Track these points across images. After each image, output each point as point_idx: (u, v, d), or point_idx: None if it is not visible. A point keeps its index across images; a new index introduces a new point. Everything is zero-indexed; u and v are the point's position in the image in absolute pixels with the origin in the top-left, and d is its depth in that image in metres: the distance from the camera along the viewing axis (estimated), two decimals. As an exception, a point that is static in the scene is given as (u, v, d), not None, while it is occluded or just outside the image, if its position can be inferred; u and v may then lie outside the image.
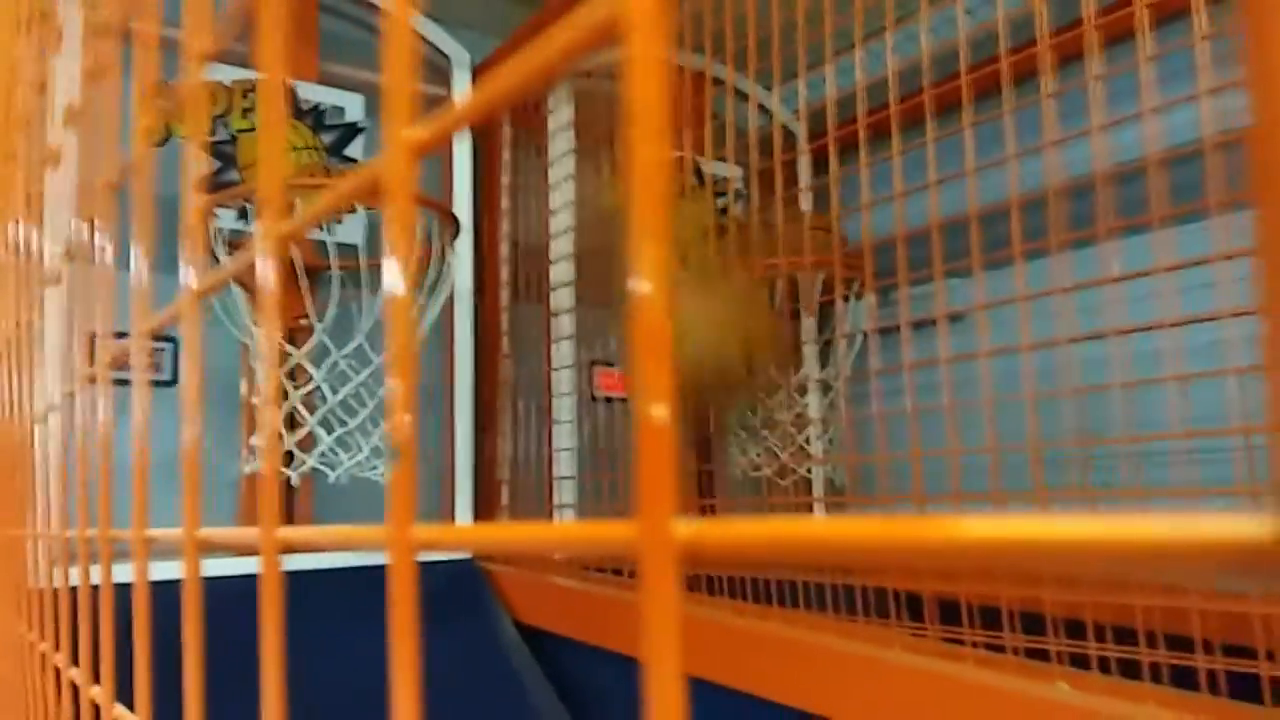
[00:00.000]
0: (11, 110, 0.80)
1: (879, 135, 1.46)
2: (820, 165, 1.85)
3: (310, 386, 1.86)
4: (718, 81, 1.93)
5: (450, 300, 2.25)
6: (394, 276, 0.21)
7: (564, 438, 2.24)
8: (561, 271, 2.30)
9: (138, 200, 0.40)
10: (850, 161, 1.53)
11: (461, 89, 2.35)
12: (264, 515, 0.24)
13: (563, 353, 2.27)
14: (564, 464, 2.23)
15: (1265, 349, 0.11)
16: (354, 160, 2.27)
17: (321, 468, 1.86)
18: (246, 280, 1.86)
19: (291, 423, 1.87)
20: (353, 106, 2.28)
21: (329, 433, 1.86)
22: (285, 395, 1.85)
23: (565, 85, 2.35)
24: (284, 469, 1.85)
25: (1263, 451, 1.16)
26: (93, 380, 0.45)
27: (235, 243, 1.96)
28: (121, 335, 0.41)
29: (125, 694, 0.40)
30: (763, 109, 2.51)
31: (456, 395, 2.27)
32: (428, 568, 1.99)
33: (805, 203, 2.66)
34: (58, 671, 0.52)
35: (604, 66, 2.25)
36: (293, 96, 2.20)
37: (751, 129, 2.39)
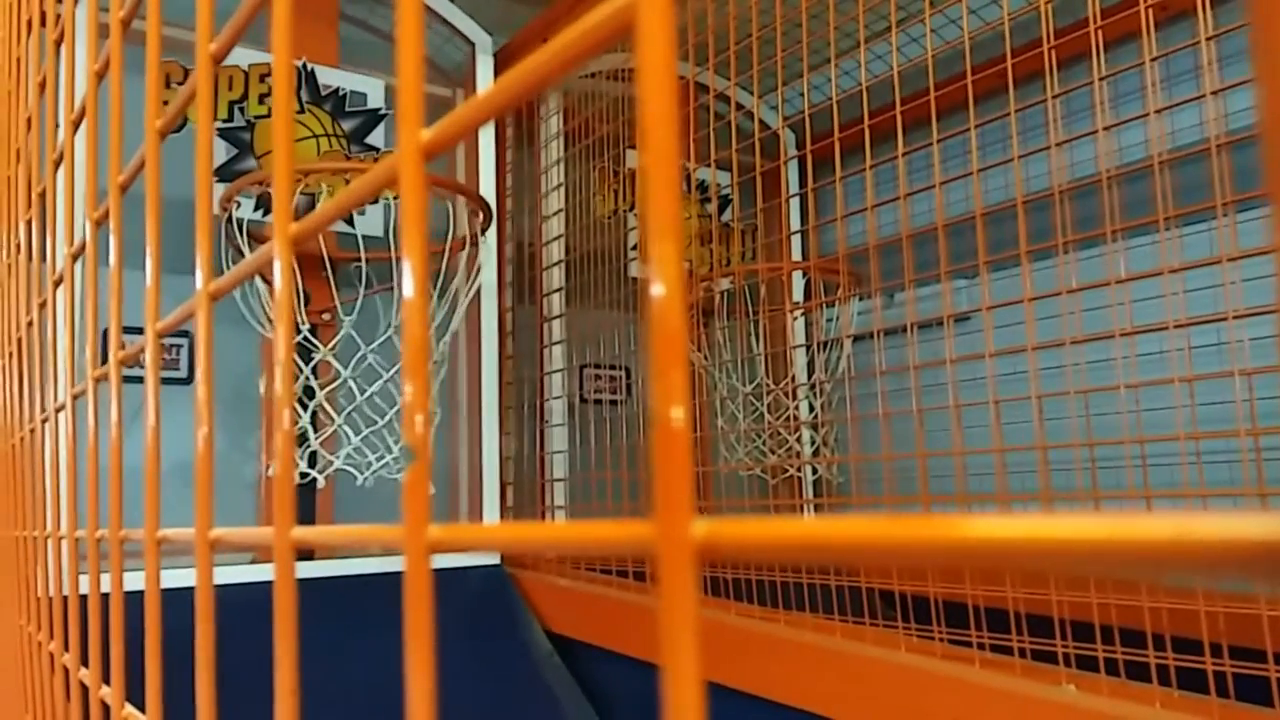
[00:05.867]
0: (16, 110, 0.80)
1: (875, 139, 1.46)
2: (820, 169, 1.85)
3: (336, 383, 1.76)
4: (704, 88, 1.93)
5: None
6: (410, 278, 0.21)
7: (556, 440, 2.25)
8: (553, 277, 2.31)
9: (149, 199, 0.40)
10: (855, 163, 1.53)
11: (485, 75, 2.27)
12: (278, 514, 0.24)
13: (554, 357, 2.28)
14: (557, 466, 2.24)
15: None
16: (376, 149, 2.19)
17: (348, 469, 1.76)
18: (268, 273, 1.82)
19: (316, 422, 1.79)
20: (374, 92, 2.19)
21: (356, 432, 1.77)
22: (311, 394, 1.76)
23: (556, 94, 2.37)
24: (309, 470, 1.77)
25: (1270, 453, 1.16)
26: (102, 379, 0.45)
27: (256, 234, 1.90)
28: (128, 330, 0.41)
29: (136, 698, 0.40)
30: (752, 115, 2.52)
31: (483, 394, 2.19)
32: (458, 574, 1.96)
33: (794, 207, 2.67)
34: (67, 672, 0.52)
35: (609, 70, 2.27)
36: (312, 81, 2.13)
37: (755, 129, 2.39)
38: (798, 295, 2.65)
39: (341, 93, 2.17)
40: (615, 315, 2.26)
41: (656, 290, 0.15)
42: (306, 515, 1.97)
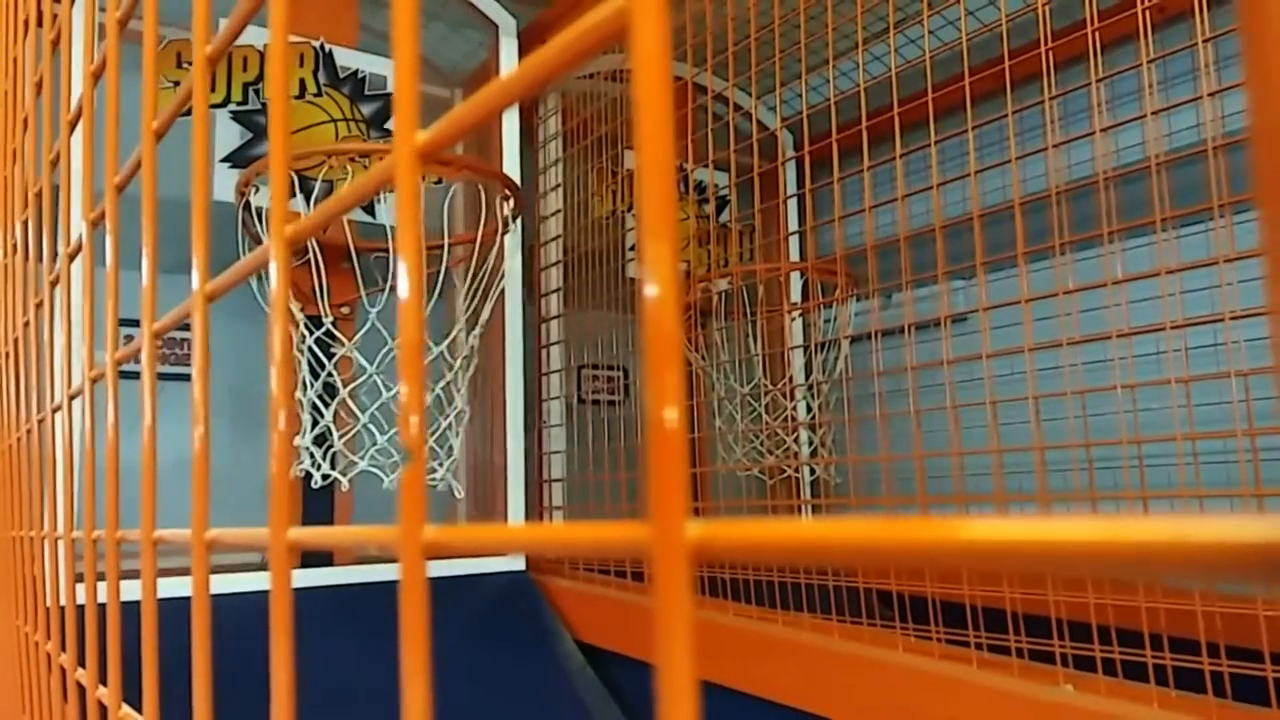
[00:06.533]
0: (13, 110, 0.80)
1: (873, 140, 1.46)
2: (818, 170, 1.85)
3: (360, 380, 1.64)
4: (702, 89, 1.93)
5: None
6: (406, 279, 0.21)
7: (554, 440, 2.24)
8: (551, 277, 2.31)
9: (145, 200, 0.40)
10: (853, 164, 1.53)
11: (509, 57, 2.18)
12: (274, 515, 0.24)
13: (552, 357, 2.28)
14: (555, 466, 2.23)
15: (1275, 348, 0.11)
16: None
17: (373, 470, 1.65)
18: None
19: (337, 421, 1.68)
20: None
21: (381, 432, 1.65)
22: (332, 391, 1.66)
23: (554, 94, 2.36)
24: (331, 471, 1.67)
25: (1266, 453, 1.16)
26: (99, 379, 0.45)
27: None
28: (125, 323, 0.41)
29: (140, 700, 0.40)
30: (750, 116, 2.53)
31: (508, 391, 2.09)
32: (480, 580, 1.88)
33: (791, 208, 2.68)
34: (64, 672, 0.52)
35: (607, 71, 2.27)
36: (330, 63, 2.03)
37: (753, 130, 2.40)
38: (795, 296, 2.65)
39: (360, 75, 2.06)
40: (613, 316, 2.26)
41: (651, 291, 0.15)
42: (324, 518, 1.89)
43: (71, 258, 0.55)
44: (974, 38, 1.41)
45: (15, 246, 0.80)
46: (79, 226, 0.50)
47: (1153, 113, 1.23)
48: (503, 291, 2.04)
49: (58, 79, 0.67)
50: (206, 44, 0.33)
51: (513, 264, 2.04)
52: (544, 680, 1.74)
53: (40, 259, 0.70)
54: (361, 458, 1.65)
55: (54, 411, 0.62)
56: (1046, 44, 1.29)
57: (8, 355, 0.83)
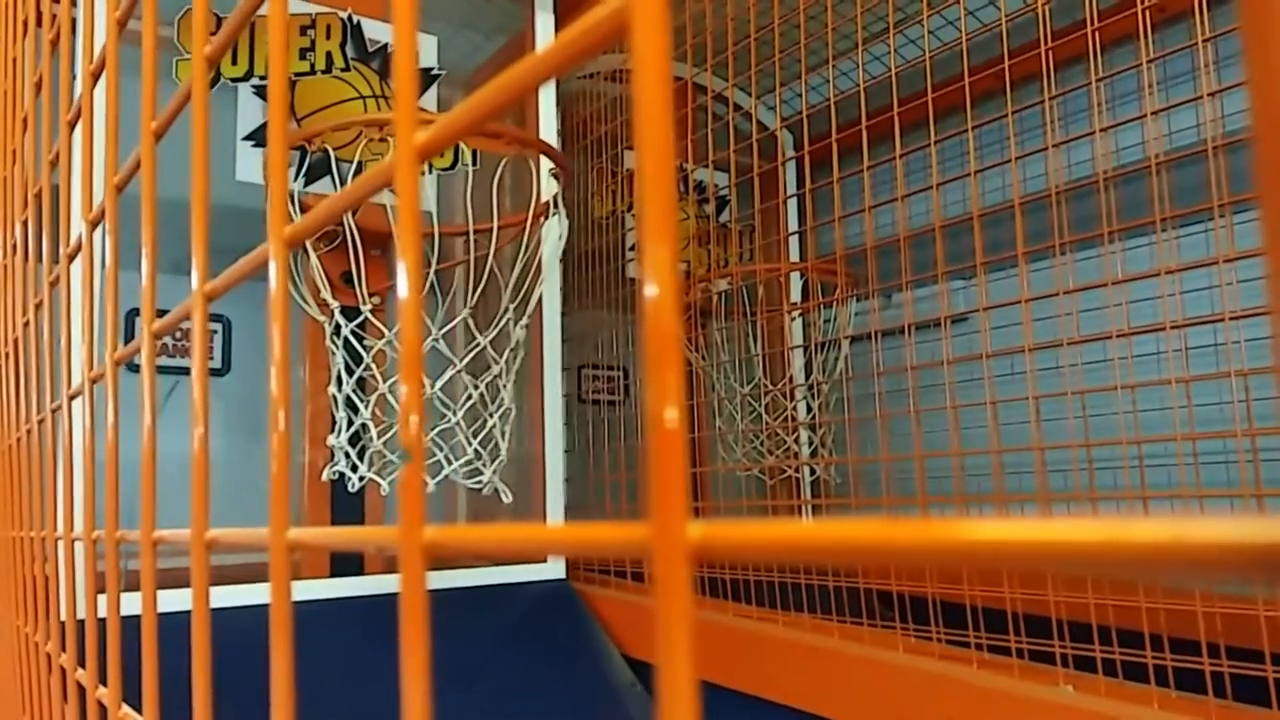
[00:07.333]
0: (13, 110, 0.80)
1: (873, 140, 1.46)
2: (817, 170, 1.85)
3: (396, 377, 1.48)
4: (702, 89, 1.92)
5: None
6: (406, 279, 0.21)
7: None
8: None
9: (145, 202, 0.40)
10: (853, 164, 1.53)
11: (545, 30, 2.06)
12: (274, 515, 0.24)
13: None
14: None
15: (1275, 348, 0.11)
16: (426, 112, 1.89)
17: None
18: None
19: (373, 418, 1.56)
20: (426, 49, 1.92)
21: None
22: (363, 389, 1.57)
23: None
24: (367, 473, 1.57)
25: (1266, 454, 1.16)
26: (98, 379, 0.45)
27: (304, 203, 1.68)
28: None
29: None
30: (750, 115, 2.53)
31: (546, 384, 1.97)
32: (517, 589, 1.77)
33: (791, 208, 2.68)
34: (64, 672, 0.52)
35: (607, 71, 2.27)
36: (359, 35, 1.92)
37: (753, 130, 2.40)
38: (795, 296, 2.65)
39: (391, 49, 1.95)
40: (613, 316, 2.26)
41: (651, 291, 0.15)
42: (354, 523, 1.78)
43: (71, 258, 0.55)
44: (974, 38, 1.41)
45: (15, 246, 0.80)
46: (79, 226, 0.50)
47: (1152, 113, 1.23)
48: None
49: (57, 79, 0.67)
50: (206, 43, 0.33)
51: (555, 249, 1.88)
52: (589, 697, 1.62)
53: (40, 259, 0.70)
54: (399, 458, 1.57)
55: (54, 411, 0.62)
56: (1046, 44, 1.29)
57: (7, 355, 0.83)
